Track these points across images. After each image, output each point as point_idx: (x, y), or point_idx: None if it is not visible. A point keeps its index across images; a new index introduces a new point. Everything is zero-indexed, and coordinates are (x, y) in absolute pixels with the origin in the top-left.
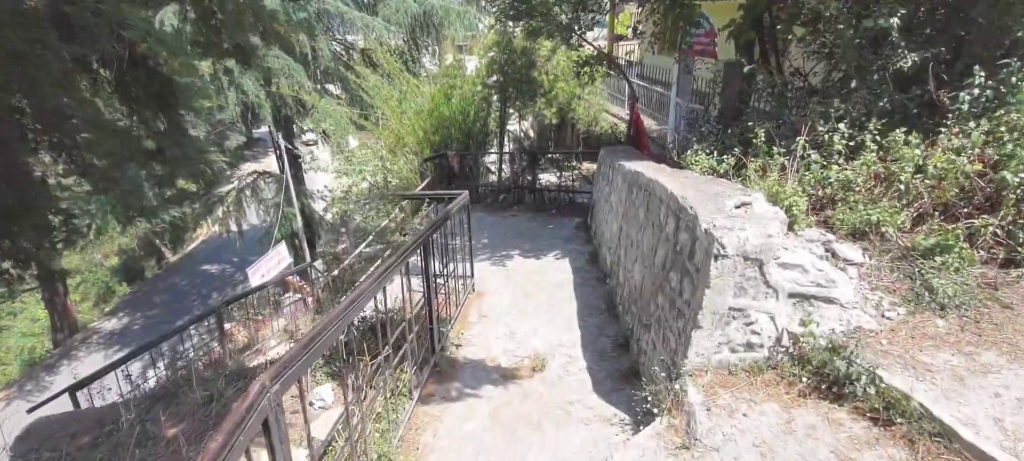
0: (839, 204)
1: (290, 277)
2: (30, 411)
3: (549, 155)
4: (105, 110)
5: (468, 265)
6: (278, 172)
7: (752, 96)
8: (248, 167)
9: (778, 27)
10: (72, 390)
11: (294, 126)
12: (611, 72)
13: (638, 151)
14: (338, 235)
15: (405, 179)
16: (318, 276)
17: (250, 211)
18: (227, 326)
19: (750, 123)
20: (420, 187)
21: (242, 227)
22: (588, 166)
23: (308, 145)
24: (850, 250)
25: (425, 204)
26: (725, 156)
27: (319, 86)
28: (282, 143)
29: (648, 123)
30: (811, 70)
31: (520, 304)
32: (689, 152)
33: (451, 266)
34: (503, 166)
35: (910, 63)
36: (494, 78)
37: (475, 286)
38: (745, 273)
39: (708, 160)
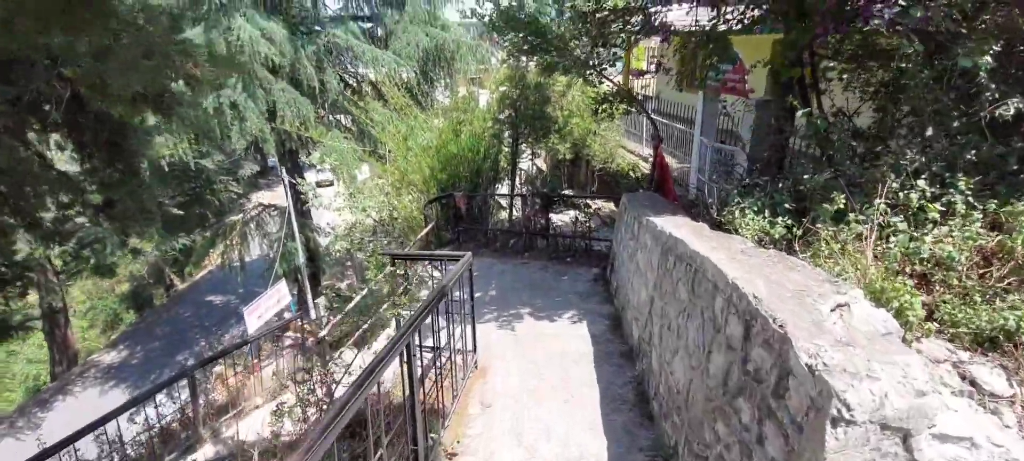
0: (938, 287)
1: (289, 315)
2: None
3: (564, 196)
4: (56, 158)
5: (470, 335)
6: (285, 205)
7: (794, 140)
8: (261, 196)
9: (824, 65)
10: None
11: (303, 161)
12: (631, 109)
13: (665, 200)
14: (343, 270)
15: (410, 218)
16: (319, 317)
17: (254, 244)
18: (217, 369)
19: (805, 175)
20: (422, 234)
21: (244, 260)
22: (606, 207)
23: (322, 185)
24: (990, 375)
25: (408, 268)
26: (779, 217)
27: (328, 118)
28: (285, 177)
29: (668, 161)
30: (854, 111)
31: (531, 385)
32: (736, 211)
33: (449, 336)
34: (514, 207)
35: (1012, 111)
36: (506, 113)
37: (478, 362)
38: (881, 446)
39: (758, 222)
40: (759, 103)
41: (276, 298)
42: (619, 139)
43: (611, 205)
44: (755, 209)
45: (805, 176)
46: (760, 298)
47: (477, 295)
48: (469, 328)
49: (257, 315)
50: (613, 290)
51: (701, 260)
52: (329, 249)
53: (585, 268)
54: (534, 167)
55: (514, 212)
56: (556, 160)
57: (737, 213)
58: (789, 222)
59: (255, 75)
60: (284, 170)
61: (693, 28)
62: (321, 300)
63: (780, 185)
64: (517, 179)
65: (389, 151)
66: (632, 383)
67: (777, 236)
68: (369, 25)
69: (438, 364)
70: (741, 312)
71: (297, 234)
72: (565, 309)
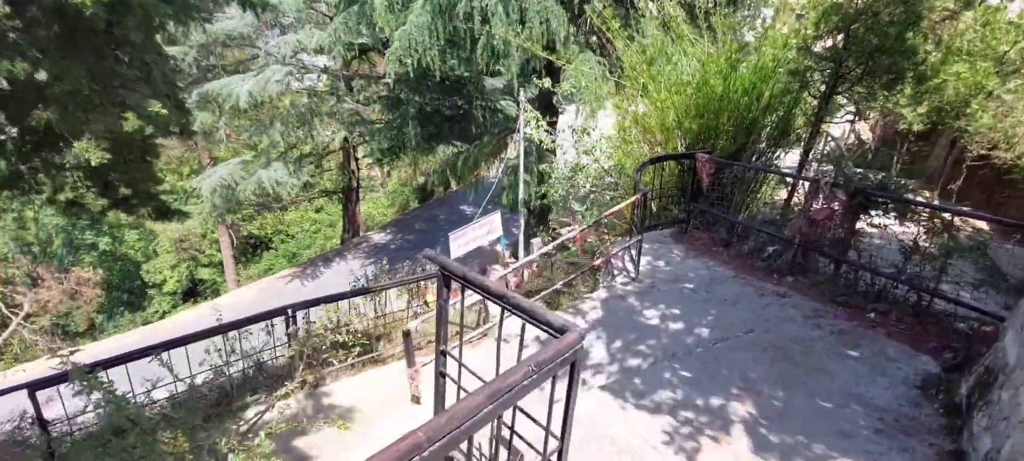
0: None
1: (498, 248)
2: None
3: (898, 198)
4: None
5: None
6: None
7: None
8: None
9: None
10: (31, 388)
11: (536, 84)
12: None
13: None
14: (572, 213)
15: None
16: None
17: (494, 167)
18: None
19: None
20: (619, 208)
21: (481, 180)
22: (973, 225)
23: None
24: None
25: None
26: None
27: (583, 37)
28: (522, 99)
29: None
30: None
31: None
32: None
33: None
34: (795, 197)
35: None
36: (826, 41)
37: None
38: None
39: None
40: None
41: (487, 228)
42: None
43: (979, 225)
44: None
45: None
46: None
47: (674, 327)
48: None
49: (463, 243)
50: (984, 458)
51: None
52: (547, 191)
53: (905, 345)
54: (850, 135)
55: (790, 209)
56: (893, 131)
57: None
58: None
59: None
60: (522, 92)
61: None
62: (536, 240)
63: None
64: (815, 148)
65: (631, 83)
66: None
67: None
68: None
69: None
70: None
71: (521, 167)
72: (841, 452)
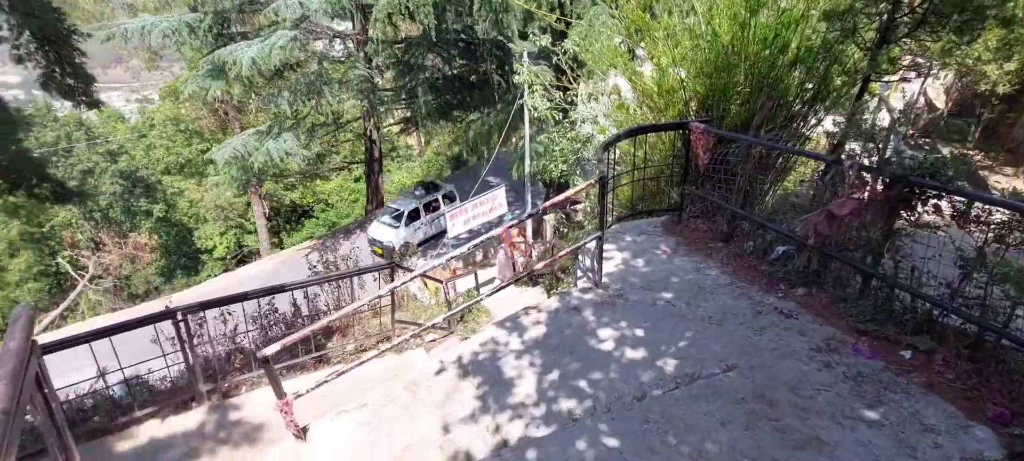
0: None
1: (507, 224)
2: None
3: (952, 190)
4: None
5: None
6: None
7: None
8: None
9: None
10: None
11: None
12: None
13: None
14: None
15: (652, 147)
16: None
17: (513, 138)
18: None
19: None
20: (568, 193)
21: (488, 153)
22: None
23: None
24: None
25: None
26: None
27: None
28: (526, 64)
29: None
30: None
31: None
32: None
33: None
34: (827, 181)
35: None
36: None
37: None
38: None
39: None
40: None
41: (490, 205)
42: None
43: None
44: None
45: None
46: None
47: (632, 355)
48: None
49: (464, 221)
50: None
51: None
52: (545, 165)
53: (952, 407)
54: (919, 99)
55: (821, 196)
56: (972, 93)
57: None
58: None
59: None
60: (524, 55)
61: None
62: (549, 217)
63: None
64: (863, 116)
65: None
66: None
67: None
68: None
69: None
70: None
71: (527, 137)
72: None
